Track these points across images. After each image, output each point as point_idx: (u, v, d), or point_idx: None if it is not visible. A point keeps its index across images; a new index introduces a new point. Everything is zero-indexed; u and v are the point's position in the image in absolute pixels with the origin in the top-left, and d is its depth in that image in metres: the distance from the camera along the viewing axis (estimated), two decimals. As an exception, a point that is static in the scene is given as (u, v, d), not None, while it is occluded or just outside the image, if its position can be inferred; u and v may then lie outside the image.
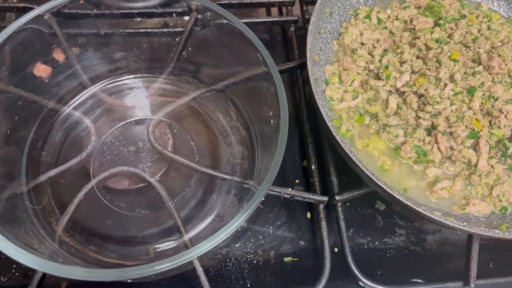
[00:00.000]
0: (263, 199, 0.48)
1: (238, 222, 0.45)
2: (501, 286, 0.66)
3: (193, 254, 0.44)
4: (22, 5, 0.76)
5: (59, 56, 0.68)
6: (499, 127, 0.63)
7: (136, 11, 0.75)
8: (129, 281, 0.58)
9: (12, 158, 0.62)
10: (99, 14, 0.69)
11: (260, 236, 0.69)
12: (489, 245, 0.71)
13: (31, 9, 0.75)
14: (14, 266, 0.63)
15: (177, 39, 0.72)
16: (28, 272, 0.63)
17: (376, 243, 0.70)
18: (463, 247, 0.64)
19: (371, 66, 0.69)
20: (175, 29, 0.74)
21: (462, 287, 0.62)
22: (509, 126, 0.64)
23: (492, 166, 0.63)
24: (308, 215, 0.70)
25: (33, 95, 0.64)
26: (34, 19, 0.60)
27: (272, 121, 0.57)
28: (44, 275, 0.57)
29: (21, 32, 0.60)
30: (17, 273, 0.63)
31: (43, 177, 0.61)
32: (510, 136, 0.65)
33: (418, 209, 0.54)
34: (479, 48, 0.68)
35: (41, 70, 0.67)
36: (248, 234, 0.69)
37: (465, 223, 0.55)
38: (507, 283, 0.65)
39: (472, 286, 0.61)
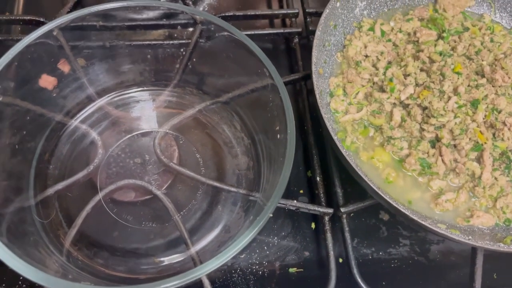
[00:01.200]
0: (271, 215, 0.49)
1: (246, 239, 0.46)
2: (506, 297, 0.66)
3: (202, 272, 0.44)
4: (29, 17, 0.76)
5: (65, 68, 0.68)
6: (502, 140, 0.64)
7: (141, 23, 0.76)
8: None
9: (20, 172, 0.62)
10: (104, 26, 0.69)
11: (265, 247, 0.69)
12: (493, 256, 0.70)
13: (37, 21, 0.76)
14: (21, 278, 0.63)
15: (182, 51, 0.73)
16: (35, 285, 0.63)
17: (381, 253, 0.70)
18: (467, 257, 0.65)
19: (375, 79, 0.69)
20: (180, 41, 0.74)
21: (467, 299, 0.63)
22: (512, 138, 0.64)
23: (496, 178, 0.63)
24: (313, 225, 0.71)
25: (41, 108, 0.65)
26: (44, 34, 0.60)
27: (278, 136, 0.57)
28: (52, 288, 0.57)
29: (30, 47, 0.60)
30: (24, 285, 0.63)
31: (50, 191, 0.61)
32: (514, 148, 0.66)
33: (424, 223, 0.55)
34: (482, 61, 0.69)
35: (47, 81, 0.67)
36: (253, 245, 0.69)
37: (470, 237, 0.56)
38: (511, 295, 0.66)
39: (477, 298, 0.61)
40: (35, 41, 0.59)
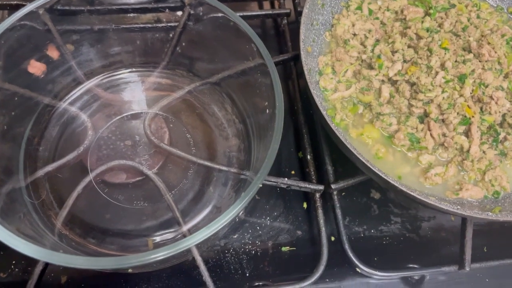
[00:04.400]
0: (260, 185, 0.49)
1: (236, 208, 0.46)
2: (495, 268, 0.67)
3: (192, 241, 0.44)
4: (15, 2, 0.76)
5: (53, 53, 0.68)
6: (490, 113, 0.65)
7: (129, 6, 0.76)
8: (129, 270, 0.59)
9: (10, 154, 0.62)
10: (92, 10, 0.69)
11: (258, 227, 0.70)
12: (483, 230, 0.72)
13: (24, 6, 0.75)
14: (14, 262, 0.64)
15: (171, 34, 0.73)
16: (27, 268, 0.63)
17: (372, 231, 0.71)
18: (457, 233, 0.66)
19: (364, 56, 0.70)
20: (168, 24, 0.74)
21: (457, 271, 0.63)
22: (499, 112, 0.65)
23: (484, 152, 0.64)
24: (305, 205, 0.71)
25: (29, 92, 0.64)
26: (28, 15, 0.60)
27: (267, 111, 0.58)
28: (44, 270, 0.57)
29: (16, 29, 0.60)
30: (16, 269, 0.63)
31: (40, 172, 0.61)
32: (501, 122, 0.66)
33: (412, 193, 0.55)
34: (469, 37, 0.70)
35: (36, 67, 0.67)
36: (245, 225, 0.69)
37: (458, 207, 0.56)
38: (500, 266, 0.67)
39: (467, 269, 0.62)
40: (19, 21, 0.58)
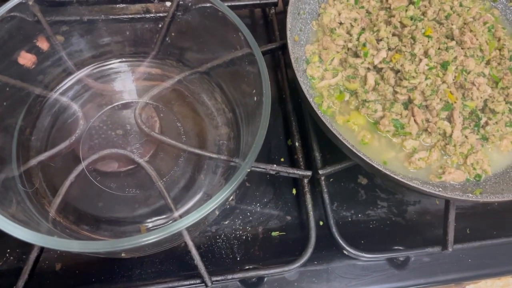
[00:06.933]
0: (249, 170, 0.50)
1: (226, 192, 0.47)
2: (477, 249, 0.70)
3: (183, 224, 0.46)
4: (4, -6, 0.76)
5: (43, 44, 0.68)
6: (471, 99, 0.67)
7: (117, -3, 0.76)
8: (123, 255, 0.60)
9: (2, 143, 0.63)
10: (81, 0, 0.69)
11: (248, 213, 0.71)
12: (466, 214, 0.74)
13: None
14: (8, 250, 0.65)
15: (160, 25, 0.73)
16: (22, 256, 0.64)
17: (359, 215, 0.73)
18: (442, 216, 0.67)
19: (350, 45, 0.71)
20: (157, 15, 0.75)
21: (441, 252, 0.66)
22: (481, 97, 0.67)
23: (466, 136, 0.66)
24: (294, 191, 0.73)
25: (20, 82, 0.65)
26: (17, 6, 0.60)
27: (255, 99, 0.59)
28: (39, 257, 0.58)
29: (5, 20, 0.60)
30: (11, 257, 0.64)
31: (33, 161, 0.62)
32: (482, 107, 0.68)
33: (397, 177, 0.57)
34: (452, 25, 0.71)
35: (26, 59, 0.67)
36: (236, 212, 0.71)
37: (441, 189, 0.58)
38: (482, 247, 0.69)
39: (450, 249, 0.64)
40: (8, 13, 0.59)
